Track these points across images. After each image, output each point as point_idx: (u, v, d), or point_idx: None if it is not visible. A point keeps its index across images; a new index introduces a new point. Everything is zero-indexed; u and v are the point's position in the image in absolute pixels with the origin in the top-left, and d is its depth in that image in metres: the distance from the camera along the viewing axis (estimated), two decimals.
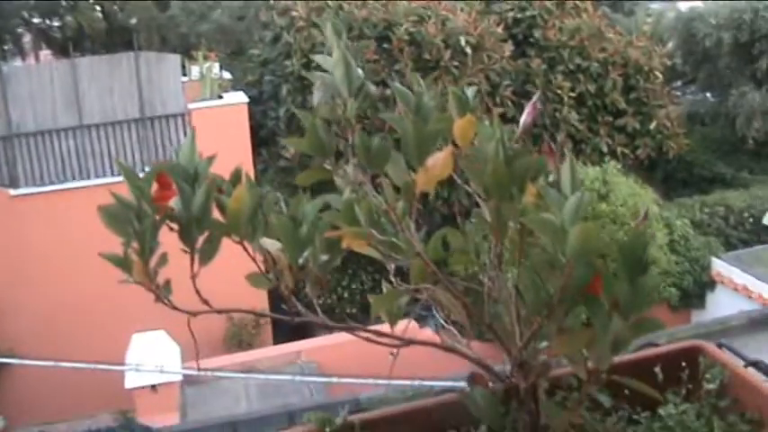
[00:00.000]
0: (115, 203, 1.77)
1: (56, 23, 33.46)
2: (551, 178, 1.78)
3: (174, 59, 21.56)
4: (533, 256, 1.74)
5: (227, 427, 13.08)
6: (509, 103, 22.28)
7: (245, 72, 25.16)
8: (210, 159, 1.84)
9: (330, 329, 14.07)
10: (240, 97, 21.50)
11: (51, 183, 20.17)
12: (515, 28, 24.52)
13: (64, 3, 32.38)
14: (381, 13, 22.40)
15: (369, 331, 1.93)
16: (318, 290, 1.88)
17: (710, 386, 1.97)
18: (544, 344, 1.84)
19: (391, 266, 2.02)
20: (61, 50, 31.45)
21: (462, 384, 1.92)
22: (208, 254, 1.85)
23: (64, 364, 15.60)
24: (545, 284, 1.72)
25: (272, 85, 23.38)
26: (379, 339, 1.94)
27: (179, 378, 15.75)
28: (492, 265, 1.86)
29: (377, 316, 2.10)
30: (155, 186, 1.78)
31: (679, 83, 30.56)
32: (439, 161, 1.80)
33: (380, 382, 11.68)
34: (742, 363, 2.02)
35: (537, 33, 24.35)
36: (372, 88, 2.00)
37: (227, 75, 23.95)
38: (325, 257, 1.85)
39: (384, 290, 2.04)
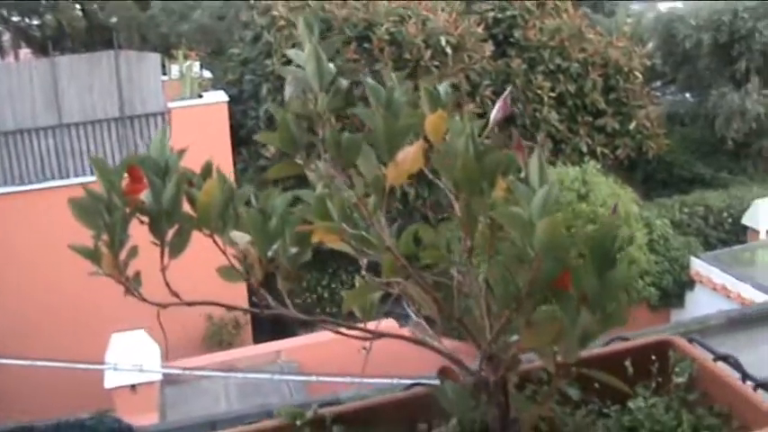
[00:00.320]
0: (85, 196, 1.77)
1: (35, 22, 33.39)
2: (522, 173, 1.80)
3: (155, 58, 21.51)
4: (503, 250, 1.75)
5: (206, 426, 13.05)
6: (489, 102, 22.31)
7: (226, 71, 25.12)
8: (181, 153, 1.84)
9: (303, 324, 13.99)
10: (220, 96, 21.45)
11: (31, 182, 20.09)
12: (496, 28, 24.57)
13: (44, 1, 32.30)
14: (362, 13, 22.42)
15: (339, 324, 1.94)
16: (289, 284, 1.89)
17: (680, 380, 1.99)
18: (514, 338, 1.85)
19: (364, 261, 2.03)
20: (41, 49, 31.35)
21: (433, 378, 1.93)
22: (178, 247, 1.85)
23: (41, 363, 15.56)
24: (514, 278, 1.74)
25: (252, 85, 23.37)
26: (350, 333, 1.95)
27: (158, 378, 15.69)
28: (462, 259, 1.87)
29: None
30: (126, 179, 1.79)
31: (659, 83, 30.66)
32: (409, 155, 1.80)
33: (360, 380, 11.69)
34: (711, 357, 2.04)
35: (517, 33, 24.41)
36: (344, 83, 2.01)
37: (207, 74, 23.91)
38: (294, 251, 1.86)
39: (357, 285, 2.05)
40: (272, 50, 22.34)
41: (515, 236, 1.71)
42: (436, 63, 22.05)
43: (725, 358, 2.03)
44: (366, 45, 21.97)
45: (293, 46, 21.74)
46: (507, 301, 1.77)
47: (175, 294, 1.90)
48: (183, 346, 17.93)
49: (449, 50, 22.18)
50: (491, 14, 24.69)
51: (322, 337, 16.48)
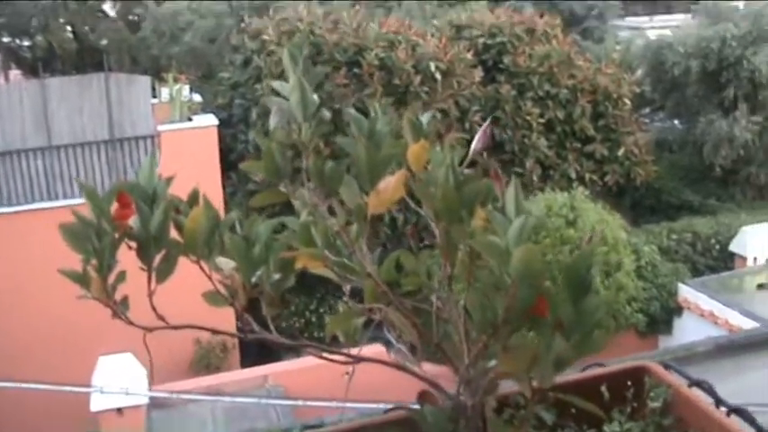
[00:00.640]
0: (76, 221, 1.82)
1: (26, 43, 33.46)
2: (500, 203, 1.85)
3: (145, 81, 21.56)
4: (481, 277, 1.79)
5: None
6: (478, 128, 22.34)
7: (216, 95, 25.20)
8: (169, 180, 1.89)
9: (290, 349, 14.00)
10: (210, 120, 21.48)
11: (19, 203, 20.08)
12: (485, 54, 24.69)
13: (35, 23, 32.35)
14: (352, 38, 22.51)
15: (322, 349, 1.97)
16: (273, 309, 1.93)
17: (655, 405, 2.03)
18: (491, 363, 1.89)
19: (347, 287, 2.07)
20: (31, 70, 31.45)
21: (414, 403, 1.97)
22: (165, 272, 1.89)
23: (26, 385, 15.50)
24: (492, 305, 1.78)
25: (242, 109, 23.44)
26: (332, 357, 1.99)
27: (145, 401, 15.65)
28: (442, 286, 1.91)
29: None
30: (115, 205, 1.83)
31: (647, 110, 30.82)
32: (390, 185, 1.85)
33: (344, 405, 11.69)
34: (687, 383, 2.08)
35: (507, 60, 24.52)
36: (327, 114, 2.05)
37: (197, 97, 23.96)
38: (277, 277, 1.90)
39: (340, 310, 2.09)
40: (262, 75, 22.42)
41: (493, 264, 1.76)
42: (426, 89, 22.14)
43: (699, 384, 2.08)
44: (356, 70, 22.06)
45: (283, 71, 21.84)
46: (485, 326, 1.81)
47: (161, 318, 1.94)
48: (171, 369, 17.91)
49: (438, 76, 22.28)
50: (481, 40, 24.82)
51: (308, 362, 16.47)
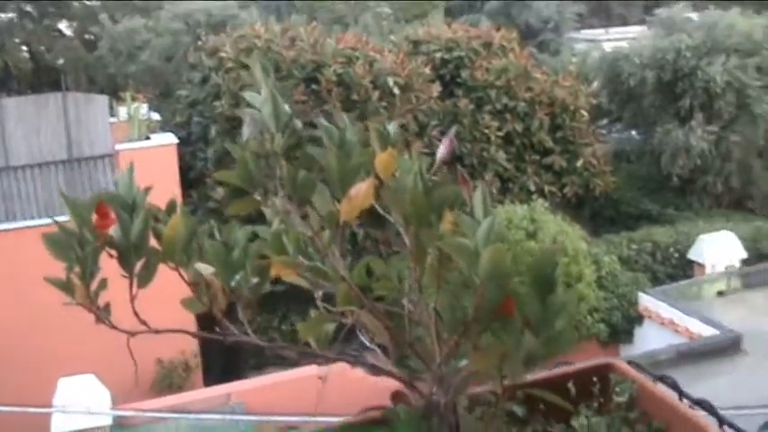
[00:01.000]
0: (58, 231, 1.87)
1: None
2: (467, 208, 1.91)
3: (102, 100, 21.49)
4: (450, 279, 1.85)
5: None
6: (437, 142, 22.45)
7: (174, 113, 25.15)
8: (147, 190, 1.95)
9: (253, 367, 13.96)
10: (169, 138, 21.41)
11: None
12: (443, 69, 24.82)
13: None
14: (310, 54, 22.56)
15: (296, 350, 2.02)
16: (250, 313, 1.98)
17: (621, 399, 2.09)
18: (463, 362, 1.95)
19: (319, 294, 2.11)
20: None
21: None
22: (145, 278, 1.94)
23: None
24: (461, 305, 1.84)
25: (200, 126, 23.41)
26: (307, 359, 2.04)
27: (108, 421, 15.53)
28: (412, 289, 1.97)
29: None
30: (94, 216, 1.88)
31: (605, 121, 31.03)
32: (361, 191, 1.91)
33: (311, 419, 11.72)
34: (650, 378, 2.15)
35: (464, 74, 24.67)
36: (299, 125, 2.11)
37: (155, 116, 23.87)
38: (255, 280, 1.95)
39: (312, 316, 2.14)
40: (221, 92, 22.41)
41: (462, 265, 1.82)
42: (384, 104, 22.22)
43: (663, 379, 2.15)
44: (314, 86, 22.10)
45: (241, 88, 21.81)
46: (455, 326, 1.87)
47: (144, 322, 1.99)
48: (132, 390, 17.81)
49: (396, 91, 22.37)
50: (438, 55, 24.95)
51: (271, 379, 16.48)
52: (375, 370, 2.00)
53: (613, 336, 21.28)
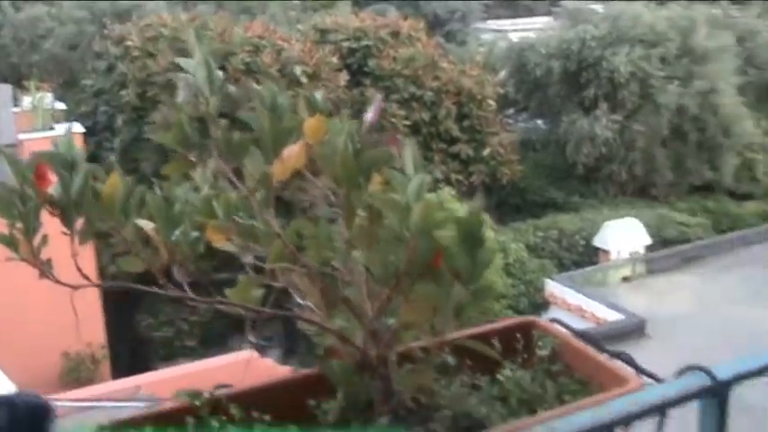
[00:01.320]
0: (1, 188, 1.91)
1: None
2: (396, 168, 1.97)
3: (5, 89, 21.11)
4: (381, 235, 1.91)
5: None
6: None
7: (79, 102, 24.82)
8: (83, 151, 1.98)
9: (162, 358, 13.84)
10: (75, 127, 21.08)
11: None
12: (350, 58, 24.88)
13: None
14: (217, 43, 22.43)
15: (224, 302, 2.07)
16: (187, 270, 2.02)
17: (543, 353, 2.18)
18: (394, 319, 2.02)
19: (249, 260, 2.15)
20: None
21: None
22: (86, 235, 1.97)
23: None
24: (392, 259, 1.90)
25: (106, 116, 23.16)
26: (233, 310, 2.08)
27: None
28: (343, 249, 2.02)
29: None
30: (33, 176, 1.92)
31: (512, 111, 31.33)
32: (293, 152, 1.96)
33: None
34: (571, 333, 2.24)
35: (372, 63, 24.75)
36: (232, 88, 2.16)
37: (60, 105, 23.50)
38: (195, 234, 2.00)
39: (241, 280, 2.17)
40: (127, 81, 22.19)
41: (393, 220, 1.89)
42: (291, 92, 22.18)
43: (582, 335, 2.24)
44: (222, 75, 21.99)
45: (148, 76, 21.66)
46: (386, 279, 1.94)
47: (86, 277, 2.02)
48: (39, 385, 17.54)
49: (304, 80, 22.36)
50: (346, 44, 25.01)
51: (180, 370, 16.38)
52: (310, 324, 2.05)
53: None
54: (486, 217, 21.60)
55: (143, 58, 21.95)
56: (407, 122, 23.92)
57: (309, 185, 2.10)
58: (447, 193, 20.12)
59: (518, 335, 2.27)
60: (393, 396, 2.06)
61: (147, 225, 1.96)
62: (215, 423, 2.01)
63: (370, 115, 2.22)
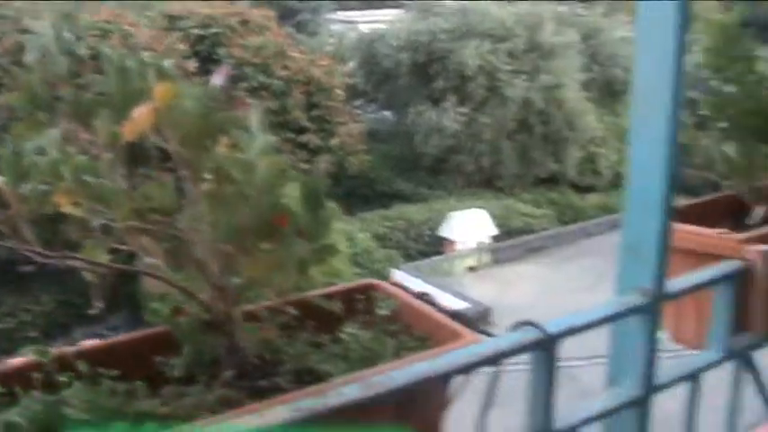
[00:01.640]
0: None
1: None
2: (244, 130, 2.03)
3: None
4: (227, 193, 1.97)
5: None
6: None
7: None
8: None
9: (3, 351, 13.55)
10: None
11: None
12: (199, 45, 24.68)
13: None
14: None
15: (72, 257, 2.09)
16: (33, 228, 2.03)
17: (383, 313, 2.27)
18: (239, 277, 2.07)
19: (97, 224, 2.17)
20: None
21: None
22: None
23: None
24: (237, 216, 1.96)
25: None
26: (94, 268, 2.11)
27: None
28: (189, 211, 2.06)
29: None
30: None
31: (361, 101, 31.46)
32: (143, 112, 2.00)
33: None
34: (411, 295, 2.33)
35: (221, 51, 24.57)
36: (82, 50, 2.18)
37: None
38: (44, 187, 2.01)
39: (87, 246, 2.19)
40: None
41: (238, 177, 1.95)
42: None
43: (422, 296, 2.33)
44: None
45: None
46: (231, 237, 1.99)
47: None
48: None
49: None
50: (195, 31, 24.78)
51: (18, 363, 16.04)
52: (158, 279, 2.09)
53: None
54: (334, 207, 21.75)
55: None
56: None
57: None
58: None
59: (360, 296, 2.35)
60: (238, 352, 2.12)
61: None
62: (63, 379, 2.04)
63: (217, 79, 2.27)
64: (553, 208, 27.50)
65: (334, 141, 25.13)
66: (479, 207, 25.15)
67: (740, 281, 2.35)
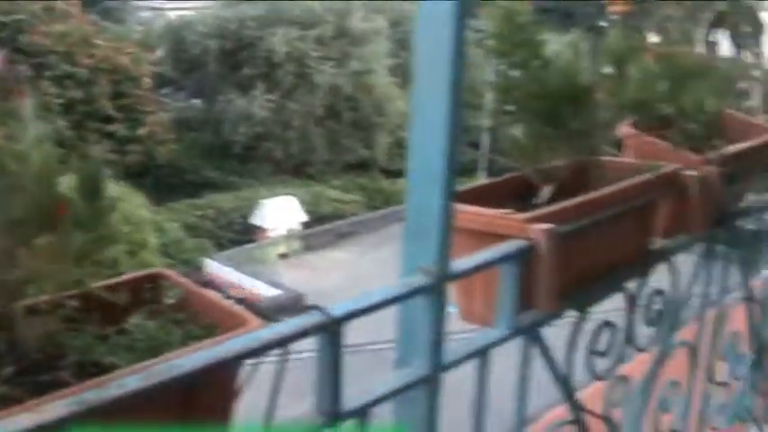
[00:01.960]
0: None
1: None
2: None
3: None
4: (1, 185, 1.91)
5: None
6: None
7: None
8: None
9: None
10: None
11: None
12: (1, 32, 23.94)
13: None
14: None
15: None
16: None
17: (170, 302, 2.24)
18: (18, 270, 2.02)
19: None
20: None
21: None
22: None
23: None
24: (11, 208, 1.91)
25: None
26: None
27: None
28: None
29: None
30: None
31: (169, 90, 31.10)
32: None
33: None
34: (198, 284, 2.31)
35: (24, 38, 23.89)
36: None
37: None
38: None
39: None
40: None
41: (12, 168, 1.90)
42: None
43: (208, 284, 2.32)
44: None
45: None
46: (8, 228, 1.94)
47: None
48: None
49: None
50: None
51: None
52: None
53: None
54: (142, 197, 21.43)
55: None
56: (61, 101, 23.26)
57: None
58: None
59: (148, 286, 2.32)
60: (18, 348, 2.07)
61: None
62: None
63: None
64: (363, 193, 27.73)
65: (142, 131, 24.77)
66: (289, 194, 25.19)
67: (525, 259, 2.41)
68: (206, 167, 28.15)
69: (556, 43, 2.97)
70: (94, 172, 1.97)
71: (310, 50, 28.01)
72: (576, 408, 2.89)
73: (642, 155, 3.25)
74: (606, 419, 3.10)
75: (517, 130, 2.94)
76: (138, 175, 24.67)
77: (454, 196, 2.12)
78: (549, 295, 2.46)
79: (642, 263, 3.03)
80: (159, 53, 29.27)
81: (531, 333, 2.54)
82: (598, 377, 2.90)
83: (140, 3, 39.81)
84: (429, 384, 2.22)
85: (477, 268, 2.34)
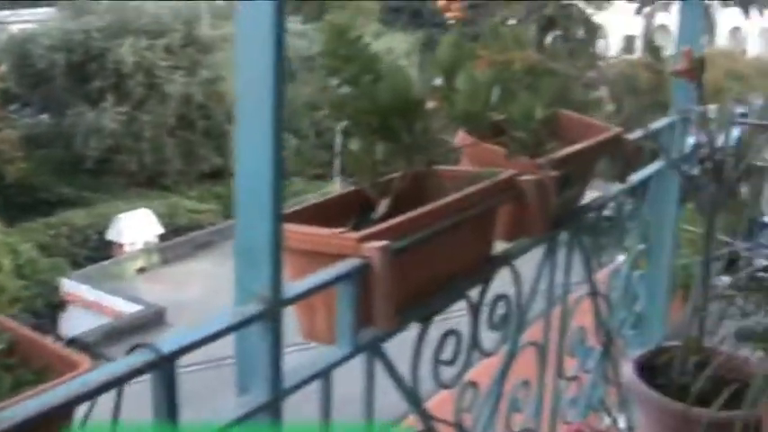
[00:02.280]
0: None
1: None
2: None
3: None
4: None
5: None
6: None
7: None
8: None
9: None
10: None
11: None
12: None
13: None
14: None
15: None
16: None
17: (1, 347, 2.18)
18: None
19: None
20: None
21: None
22: None
23: None
24: None
25: None
26: None
27: None
28: None
29: None
30: None
31: (16, 106, 30.40)
32: None
33: None
34: (27, 327, 2.25)
35: None
36: None
37: None
38: None
39: None
40: None
41: None
42: None
43: (37, 327, 2.26)
44: None
45: None
46: None
47: None
48: None
49: None
50: None
51: None
52: None
53: (38, 326, 21.03)
54: None
55: None
56: None
57: None
58: None
59: None
60: None
61: None
62: None
63: None
64: (219, 202, 27.54)
65: None
66: (145, 206, 24.89)
67: (361, 278, 2.40)
68: (58, 184, 27.58)
69: (402, 42, 2.98)
70: None
71: (159, 60, 27.72)
72: (426, 417, 2.90)
73: (480, 162, 3.28)
74: (457, 426, 3.12)
75: (353, 145, 2.94)
76: None
77: (284, 218, 2.10)
78: (386, 313, 2.45)
79: (484, 270, 3.06)
80: (3, 68, 28.58)
81: (372, 349, 2.54)
82: (445, 386, 2.92)
83: None
84: (270, 410, 2.20)
85: (312, 291, 2.33)
